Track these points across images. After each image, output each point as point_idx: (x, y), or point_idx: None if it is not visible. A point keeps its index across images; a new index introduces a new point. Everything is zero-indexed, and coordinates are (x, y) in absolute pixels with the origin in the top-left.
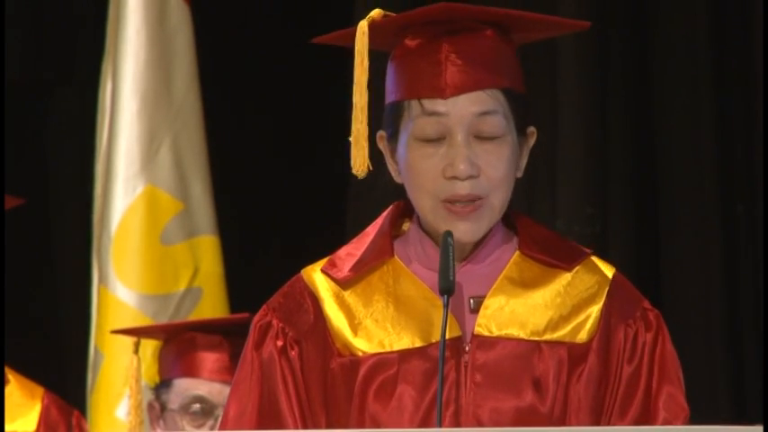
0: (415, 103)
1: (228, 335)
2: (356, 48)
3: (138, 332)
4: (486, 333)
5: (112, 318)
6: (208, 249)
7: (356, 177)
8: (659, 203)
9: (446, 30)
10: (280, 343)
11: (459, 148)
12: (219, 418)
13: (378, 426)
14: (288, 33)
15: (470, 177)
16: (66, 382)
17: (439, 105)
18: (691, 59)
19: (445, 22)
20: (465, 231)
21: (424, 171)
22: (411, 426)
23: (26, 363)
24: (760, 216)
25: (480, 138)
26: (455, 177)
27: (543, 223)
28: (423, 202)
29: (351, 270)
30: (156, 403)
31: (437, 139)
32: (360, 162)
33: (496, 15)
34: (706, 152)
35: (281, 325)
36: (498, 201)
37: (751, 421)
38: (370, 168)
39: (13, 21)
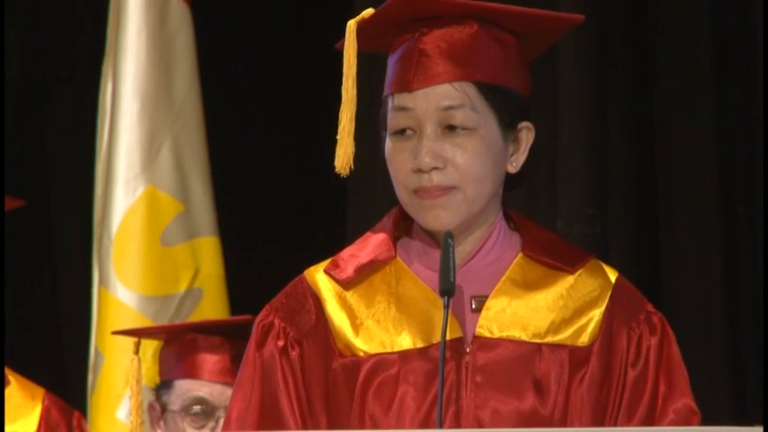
0: (390, 98)
1: (230, 336)
2: (345, 45)
3: (139, 333)
4: (487, 334)
5: (113, 319)
6: (208, 250)
7: (356, 178)
8: (659, 204)
9: (430, 26)
10: (281, 343)
11: (425, 140)
12: (220, 420)
13: (378, 426)
14: (288, 34)
15: (435, 169)
16: (67, 383)
17: (407, 100)
18: (691, 60)
19: (431, 18)
20: (436, 218)
21: (398, 164)
22: (412, 427)
23: (27, 364)
24: (760, 217)
25: (450, 131)
26: (420, 170)
27: (543, 224)
28: (400, 195)
29: (353, 271)
30: (157, 404)
31: (408, 133)
32: (343, 159)
33: (480, 8)
34: (706, 153)
35: (282, 325)
36: (472, 192)
37: (751, 422)
38: (352, 167)
39: (13, 21)
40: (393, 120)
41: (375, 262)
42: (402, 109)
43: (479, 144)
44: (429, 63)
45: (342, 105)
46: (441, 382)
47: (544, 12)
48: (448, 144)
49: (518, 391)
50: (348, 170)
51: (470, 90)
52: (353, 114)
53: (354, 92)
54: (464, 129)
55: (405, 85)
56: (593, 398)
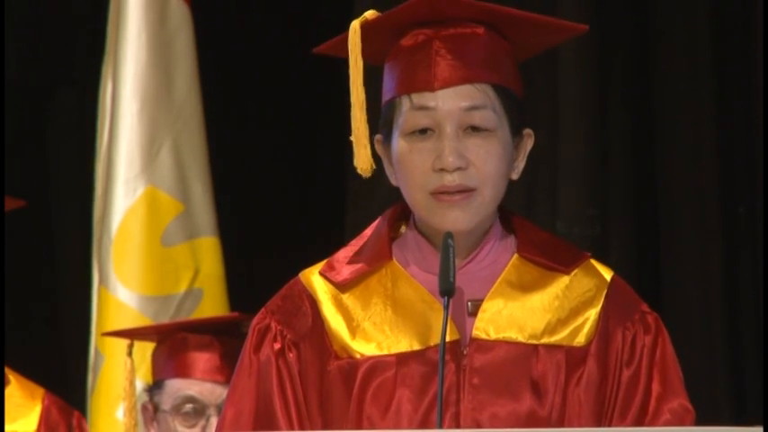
0: (405, 98)
1: (219, 334)
2: (349, 46)
3: (129, 334)
4: (483, 336)
5: (113, 319)
6: (208, 251)
7: (356, 179)
8: (659, 205)
9: (439, 28)
10: (277, 345)
11: (447, 140)
12: (211, 419)
13: (375, 429)
14: (288, 35)
15: (459, 169)
16: (67, 383)
17: (428, 99)
18: (691, 61)
19: (438, 21)
20: (455, 220)
21: (415, 165)
22: (409, 429)
23: (27, 363)
24: (760, 217)
25: (470, 131)
26: (443, 169)
27: (543, 225)
28: (414, 196)
29: (349, 273)
30: (150, 404)
31: (427, 133)
32: (363, 160)
33: (488, 12)
34: (706, 153)
35: (279, 328)
36: (489, 194)
37: (751, 422)
38: (374, 167)
39: (13, 22)
40: (411, 119)
41: (371, 264)
42: (423, 108)
43: (498, 146)
44: (448, 63)
45: (352, 109)
46: (440, 382)
47: (550, 19)
48: (471, 144)
49: (515, 392)
50: (370, 171)
51: (490, 92)
52: (365, 116)
53: (363, 93)
54: (484, 130)
55: (426, 85)
56: (592, 398)
